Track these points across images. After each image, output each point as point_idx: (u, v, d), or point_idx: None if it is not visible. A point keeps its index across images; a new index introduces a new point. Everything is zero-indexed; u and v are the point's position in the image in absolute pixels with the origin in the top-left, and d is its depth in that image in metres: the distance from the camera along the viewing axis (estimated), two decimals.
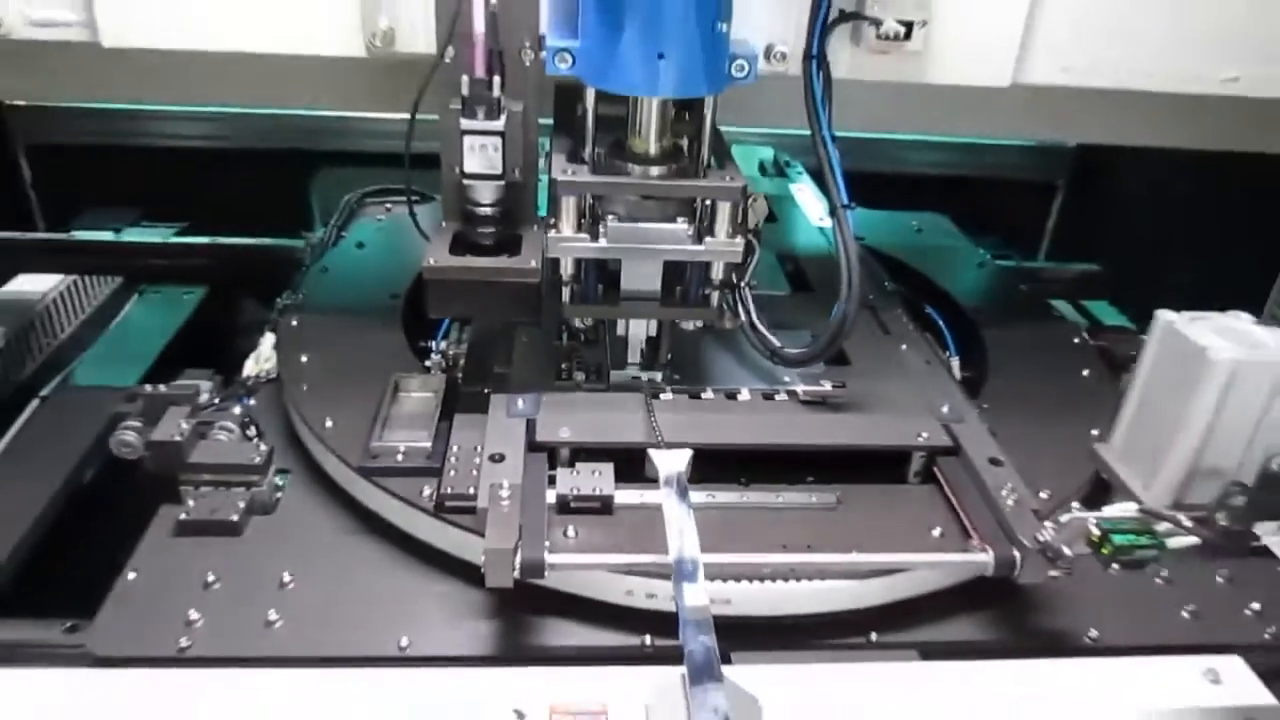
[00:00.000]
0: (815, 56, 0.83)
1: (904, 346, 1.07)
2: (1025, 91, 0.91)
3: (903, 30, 0.84)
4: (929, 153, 1.89)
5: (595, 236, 0.81)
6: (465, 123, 0.75)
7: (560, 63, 0.77)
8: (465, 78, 0.76)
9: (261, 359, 1.07)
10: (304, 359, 1.02)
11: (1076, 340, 1.18)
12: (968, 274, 1.36)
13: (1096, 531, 0.73)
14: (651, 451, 0.76)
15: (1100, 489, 0.90)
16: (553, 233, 0.81)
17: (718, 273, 0.86)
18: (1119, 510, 0.75)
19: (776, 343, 0.92)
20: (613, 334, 0.93)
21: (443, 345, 1.06)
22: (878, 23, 0.83)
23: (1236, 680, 0.73)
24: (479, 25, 0.74)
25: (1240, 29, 0.92)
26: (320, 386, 0.97)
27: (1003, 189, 1.91)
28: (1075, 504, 0.76)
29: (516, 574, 0.71)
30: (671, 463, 0.74)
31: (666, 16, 0.71)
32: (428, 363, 1.04)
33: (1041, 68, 0.92)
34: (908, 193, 1.65)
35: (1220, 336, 0.68)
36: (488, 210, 0.80)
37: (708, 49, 0.75)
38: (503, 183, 0.79)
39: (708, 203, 0.82)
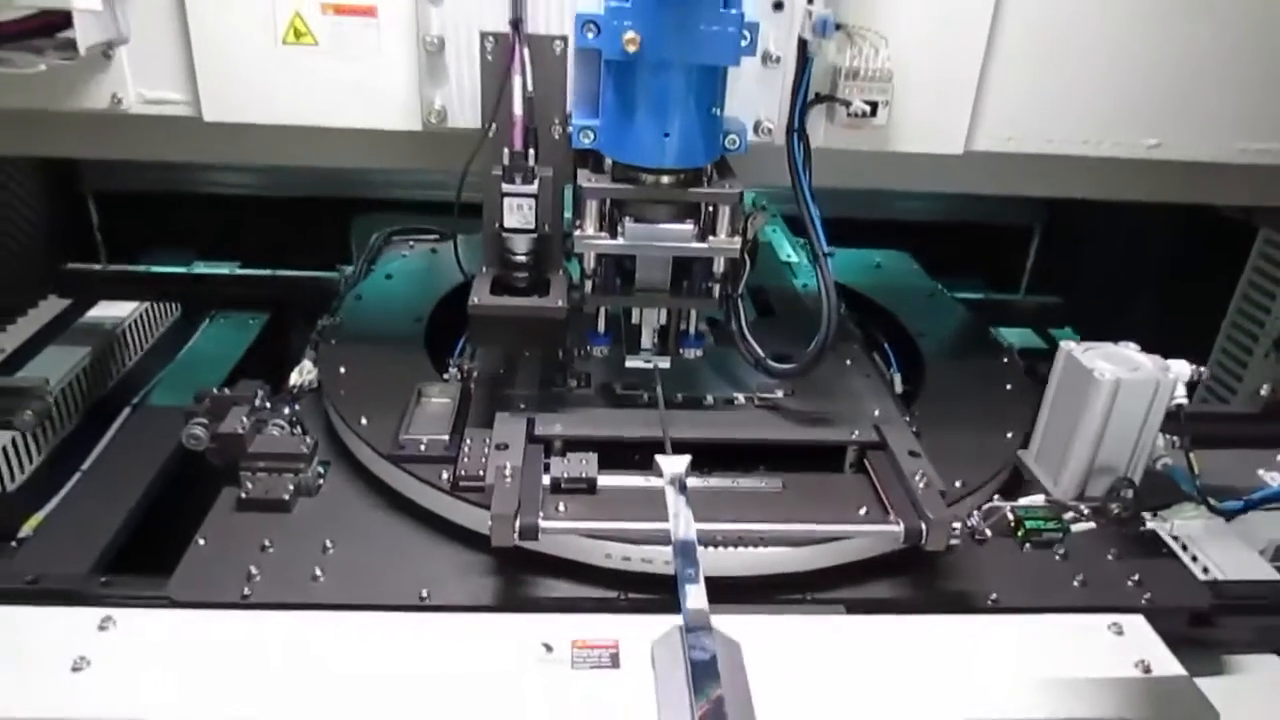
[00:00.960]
0: (796, 130, 1.01)
1: (849, 362, 1.25)
2: (982, 155, 1.09)
3: (869, 109, 1.01)
4: (915, 201, 2.06)
5: (614, 235, 0.98)
6: (506, 187, 0.94)
7: (584, 138, 0.95)
8: (506, 150, 0.95)
9: (304, 371, 1.24)
10: (342, 370, 1.20)
11: (1005, 360, 1.35)
12: (918, 303, 1.54)
13: (1013, 517, 0.92)
14: (658, 457, 0.93)
15: (1011, 482, 1.08)
16: (577, 232, 0.98)
17: (719, 267, 1.02)
18: (1032, 500, 0.93)
19: (761, 353, 1.09)
20: (628, 324, 1.09)
21: (459, 361, 1.24)
22: (847, 103, 1.01)
23: (1135, 633, 0.89)
24: (518, 109, 0.94)
25: (1160, 102, 1.10)
26: (355, 392, 1.15)
27: (984, 232, 2.09)
28: (996, 495, 0.95)
29: (516, 537, 0.88)
30: (674, 465, 0.90)
31: (670, 104, 0.89)
32: (445, 375, 1.21)
33: (989, 138, 1.09)
34: (895, 237, 1.84)
35: (1107, 361, 0.86)
36: (522, 258, 0.99)
37: (705, 128, 0.93)
38: (535, 235, 0.98)
39: (710, 208, 0.98)
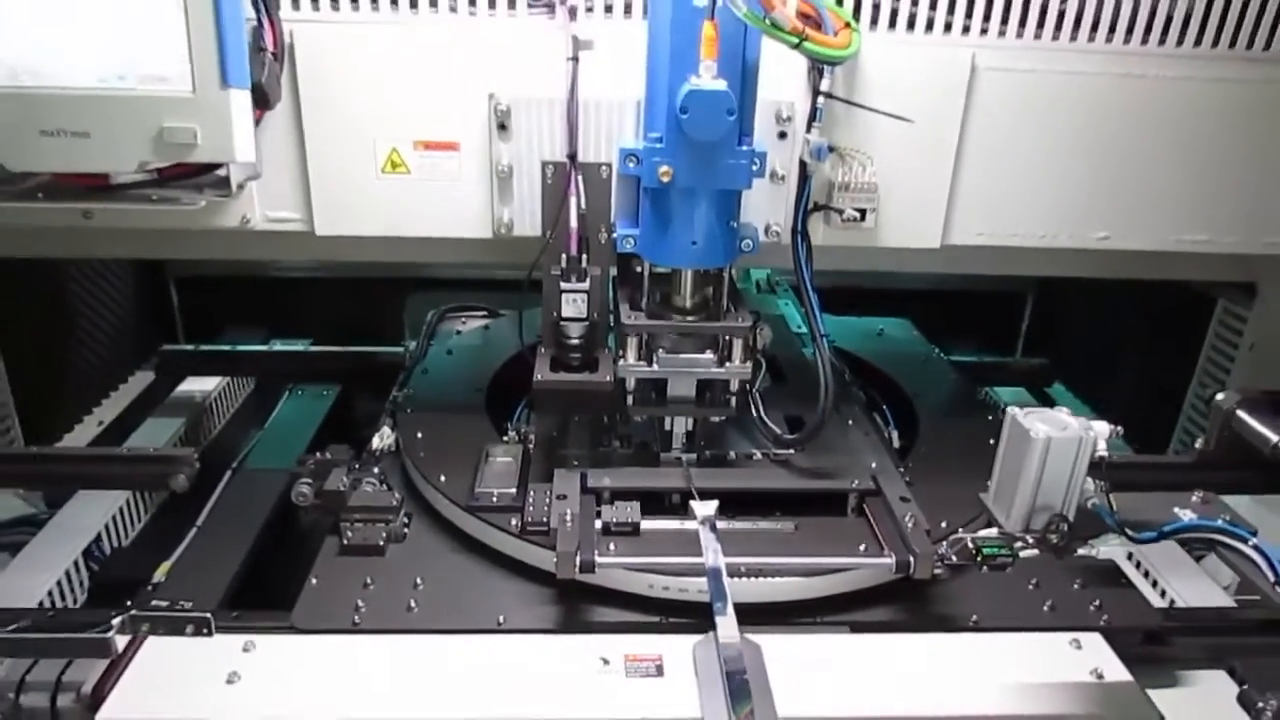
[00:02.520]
0: (799, 232, 1.26)
1: (850, 422, 1.47)
2: (959, 246, 1.33)
3: (859, 215, 1.26)
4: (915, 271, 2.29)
5: (650, 363, 1.22)
6: (564, 285, 1.19)
7: (626, 243, 1.20)
8: (563, 255, 1.20)
9: (384, 436, 1.46)
10: (419, 435, 1.42)
11: (990, 418, 1.56)
12: (915, 367, 1.76)
13: (973, 546, 1.13)
14: (692, 502, 1.15)
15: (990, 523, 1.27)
16: (621, 361, 1.22)
17: (734, 385, 1.26)
18: (988, 532, 1.14)
19: (776, 431, 1.31)
20: (662, 428, 1.33)
21: (516, 425, 1.46)
22: (841, 211, 1.25)
23: (1092, 648, 1.09)
24: (574, 223, 1.19)
25: (1106, 202, 1.33)
26: (432, 454, 1.37)
27: (981, 299, 2.31)
28: (960, 529, 1.17)
29: (577, 570, 1.09)
30: (705, 508, 1.12)
31: (696, 219, 1.14)
32: (505, 437, 1.42)
33: (961, 234, 1.33)
34: (898, 303, 2.07)
35: (1042, 422, 1.09)
36: (575, 341, 1.23)
37: (724, 236, 1.17)
38: (587, 322, 1.23)
39: (726, 337, 1.22)
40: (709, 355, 1.24)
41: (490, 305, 2.05)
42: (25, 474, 1.34)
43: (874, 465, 1.33)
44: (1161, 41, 1.29)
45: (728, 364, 1.23)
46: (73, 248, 1.47)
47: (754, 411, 1.31)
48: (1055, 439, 1.05)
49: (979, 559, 1.09)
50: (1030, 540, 1.09)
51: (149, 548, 1.50)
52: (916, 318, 2.06)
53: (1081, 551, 1.19)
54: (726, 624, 1.01)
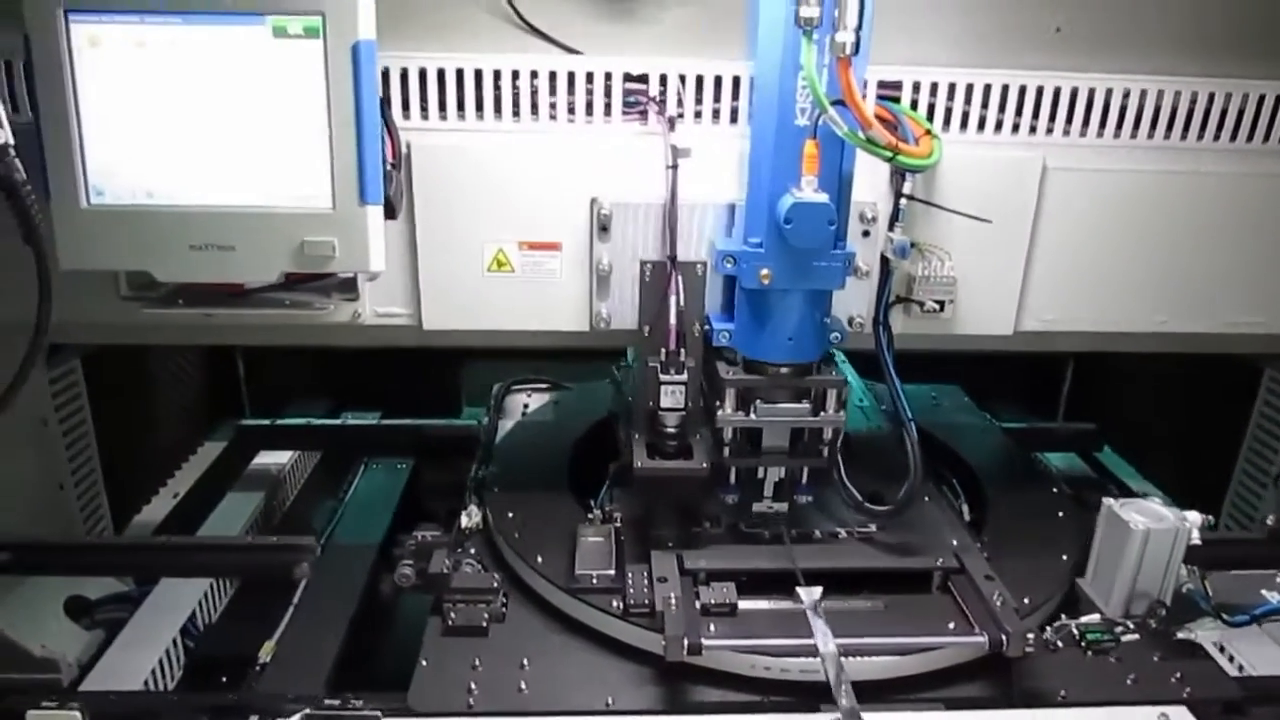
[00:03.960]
0: (881, 323, 1.35)
1: (926, 499, 1.53)
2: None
3: (938, 306, 1.35)
4: None
5: (748, 413, 1.28)
6: (663, 377, 1.27)
7: (722, 338, 1.28)
8: (662, 349, 1.29)
9: (472, 515, 1.50)
10: (510, 515, 1.47)
11: (1055, 490, 1.63)
12: (973, 437, 1.84)
13: (1077, 632, 1.20)
14: (798, 588, 1.20)
15: (1068, 599, 1.34)
16: (720, 412, 1.28)
17: (827, 435, 1.32)
18: (1090, 618, 1.22)
19: (859, 498, 1.37)
20: (753, 478, 1.38)
21: (601, 504, 1.52)
22: (921, 303, 1.35)
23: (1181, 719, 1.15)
24: (673, 319, 1.28)
25: (1165, 289, 1.42)
26: (524, 534, 1.42)
27: (1020, 362, 2.36)
28: (1063, 615, 1.24)
29: (685, 653, 1.14)
30: (810, 594, 1.18)
31: (792, 318, 1.23)
32: (590, 515, 1.47)
33: (1032, 321, 1.42)
34: (939, 367, 2.10)
35: (1139, 514, 1.17)
36: (672, 430, 1.31)
37: (817, 332, 1.25)
38: (683, 412, 1.31)
39: (820, 390, 1.29)
40: (804, 405, 1.30)
41: (547, 374, 2.14)
42: (152, 563, 1.41)
43: (954, 542, 1.39)
44: (1216, 138, 1.39)
45: (823, 413, 1.30)
46: (186, 337, 1.55)
47: (836, 474, 1.38)
48: (1154, 530, 1.13)
49: (1084, 644, 1.17)
50: (1131, 625, 1.17)
51: (240, 624, 1.55)
52: (958, 381, 2.14)
53: (1180, 635, 1.26)
54: (848, 703, 1.07)
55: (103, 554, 1.46)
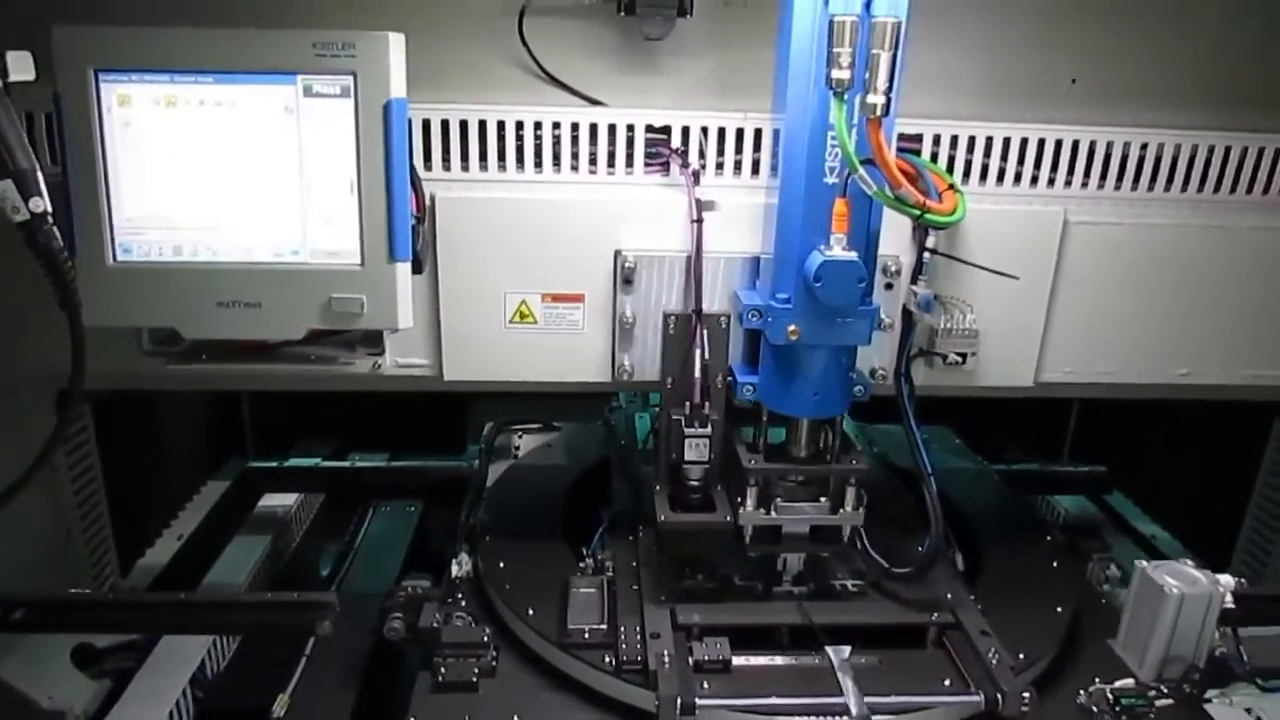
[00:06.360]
0: (903, 375, 1.36)
1: (920, 549, 1.47)
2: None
3: (960, 359, 1.37)
4: None
5: (769, 511, 1.30)
6: (688, 430, 1.28)
7: (746, 391, 1.29)
8: (687, 402, 1.30)
9: (462, 564, 1.50)
10: (500, 565, 1.46)
11: (1049, 538, 1.64)
12: (966, 481, 1.85)
13: (1111, 696, 1.20)
14: (828, 648, 1.22)
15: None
16: (742, 510, 1.29)
17: (846, 530, 1.33)
18: (1123, 683, 1.22)
19: (885, 565, 1.37)
20: (772, 565, 1.39)
21: (593, 552, 1.52)
22: (944, 356, 1.36)
23: None
24: (698, 372, 1.29)
25: (1185, 344, 1.44)
26: (515, 585, 1.41)
27: (1027, 405, 2.39)
28: (1098, 679, 1.24)
29: (679, 713, 1.15)
30: (840, 653, 1.20)
31: (818, 373, 1.23)
32: (581, 564, 1.48)
33: (1052, 373, 1.43)
34: (937, 408, 2.11)
35: (1172, 577, 1.18)
36: (695, 483, 1.32)
37: (842, 387, 1.26)
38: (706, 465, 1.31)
39: (839, 482, 1.30)
40: (823, 502, 1.32)
41: (555, 413, 2.14)
42: (171, 621, 1.40)
43: (949, 596, 1.38)
44: (1232, 191, 1.41)
45: (841, 510, 1.32)
46: (203, 385, 1.56)
47: (859, 545, 1.39)
48: (1188, 595, 1.14)
49: (1118, 709, 1.17)
50: (1165, 689, 1.18)
51: (250, 672, 1.54)
52: (963, 419, 2.15)
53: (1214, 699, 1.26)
54: None
55: (117, 611, 1.45)
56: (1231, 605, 1.17)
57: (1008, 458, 2.24)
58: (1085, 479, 2.22)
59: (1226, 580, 1.17)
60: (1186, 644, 1.17)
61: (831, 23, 1.04)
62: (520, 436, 2.09)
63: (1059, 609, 1.41)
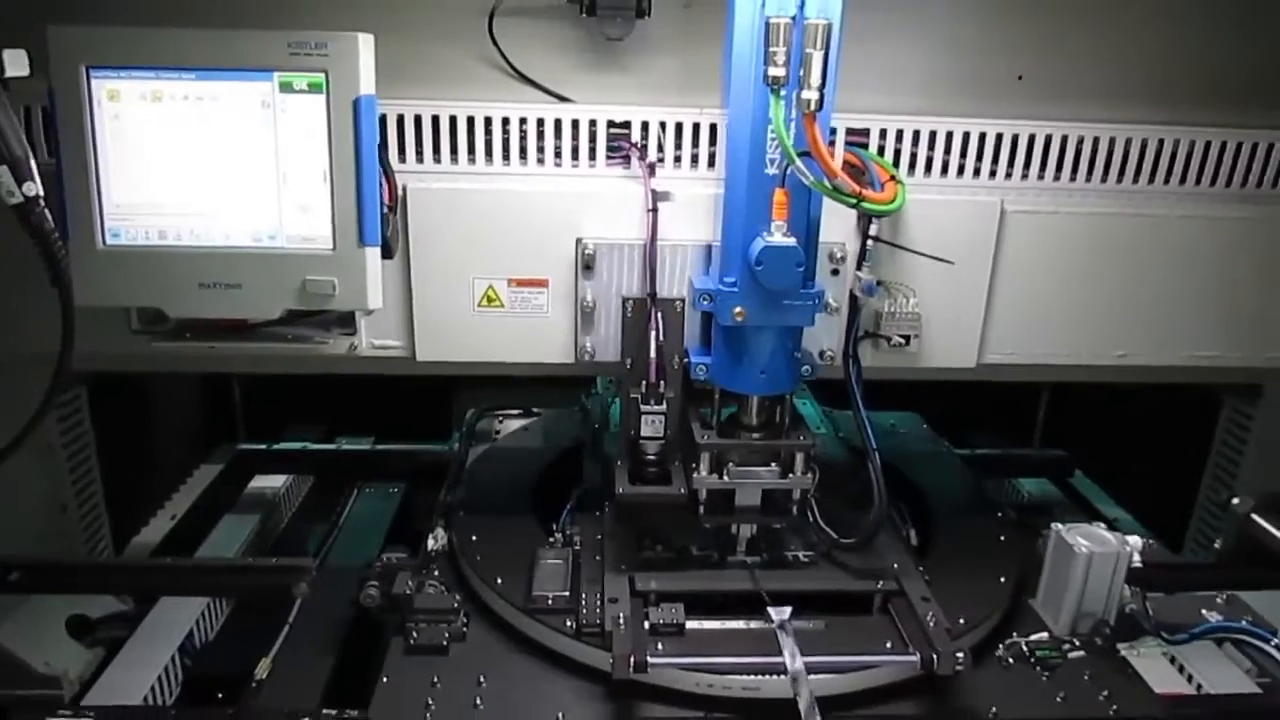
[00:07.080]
0: (851, 357, 1.44)
1: None
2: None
3: (904, 340, 1.44)
4: None
5: (721, 476, 1.38)
6: (644, 407, 1.36)
7: (699, 371, 1.37)
8: (644, 381, 1.38)
9: (438, 539, 1.57)
10: (473, 538, 1.54)
11: (1000, 515, 1.71)
12: (926, 463, 1.92)
13: (1027, 649, 1.29)
14: (769, 608, 1.29)
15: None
16: (696, 475, 1.37)
17: (796, 494, 1.41)
18: (1039, 637, 1.31)
19: (834, 536, 1.44)
20: (727, 533, 1.46)
21: (562, 527, 1.60)
22: (888, 338, 1.44)
23: None
24: (653, 353, 1.36)
25: (1123, 324, 1.52)
26: (486, 557, 1.49)
27: (998, 391, 2.43)
28: (1014, 634, 1.33)
29: (632, 670, 1.21)
30: (780, 613, 1.26)
31: (765, 353, 1.32)
32: (551, 539, 1.55)
33: (994, 355, 1.51)
34: (909, 396, 2.19)
35: (1084, 538, 1.26)
36: (651, 457, 1.40)
37: (789, 366, 1.34)
38: (662, 440, 1.40)
39: (789, 452, 1.39)
40: (773, 468, 1.40)
41: (535, 400, 2.22)
42: (156, 584, 1.49)
43: (896, 565, 1.46)
44: (1166, 181, 1.49)
45: (790, 475, 1.40)
46: (191, 366, 1.66)
47: (810, 518, 1.47)
48: (1096, 554, 1.23)
49: (1033, 660, 1.26)
50: (1077, 643, 1.26)
51: (236, 642, 1.62)
52: (927, 409, 2.23)
53: (1123, 652, 1.34)
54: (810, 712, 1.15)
55: (109, 574, 1.53)
56: (1140, 565, 1.25)
57: (975, 444, 2.32)
58: (1047, 462, 2.30)
59: (1135, 541, 1.25)
60: (1096, 600, 1.25)
61: (768, 24, 1.13)
62: (501, 422, 2.18)
63: (1002, 579, 1.49)
